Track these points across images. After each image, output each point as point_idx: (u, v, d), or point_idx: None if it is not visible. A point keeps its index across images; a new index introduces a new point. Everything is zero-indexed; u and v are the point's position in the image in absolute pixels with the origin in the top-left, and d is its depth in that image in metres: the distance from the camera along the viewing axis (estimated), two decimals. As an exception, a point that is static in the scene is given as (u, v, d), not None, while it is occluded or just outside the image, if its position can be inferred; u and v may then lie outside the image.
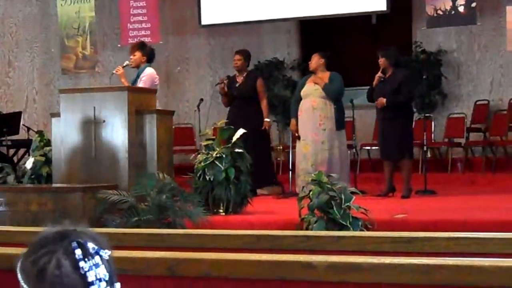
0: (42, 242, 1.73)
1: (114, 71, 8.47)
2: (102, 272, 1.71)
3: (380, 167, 9.25)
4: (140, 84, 8.26)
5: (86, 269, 1.69)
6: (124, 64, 8.47)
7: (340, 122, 9.02)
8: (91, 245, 1.72)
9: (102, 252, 1.73)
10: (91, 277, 1.69)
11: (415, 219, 6.43)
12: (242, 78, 9.78)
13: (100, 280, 1.70)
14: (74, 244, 1.71)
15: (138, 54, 8.45)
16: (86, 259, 1.70)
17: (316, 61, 9.14)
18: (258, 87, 9.69)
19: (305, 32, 13.04)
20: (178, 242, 4.27)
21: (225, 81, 9.76)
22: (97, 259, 1.71)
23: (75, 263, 1.69)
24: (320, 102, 8.97)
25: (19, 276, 1.73)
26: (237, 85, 9.73)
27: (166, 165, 7.66)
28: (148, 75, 8.34)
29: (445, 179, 10.52)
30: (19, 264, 1.74)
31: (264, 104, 9.68)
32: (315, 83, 9.03)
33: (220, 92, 9.91)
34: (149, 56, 8.54)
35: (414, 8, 12.20)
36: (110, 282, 1.73)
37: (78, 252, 1.70)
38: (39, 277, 1.69)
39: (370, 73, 9.02)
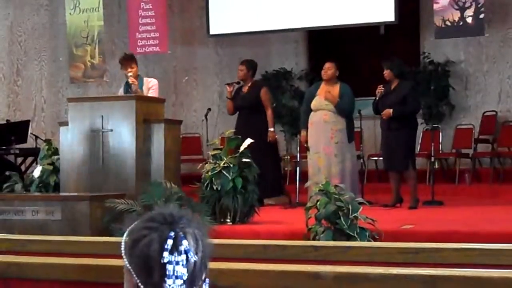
0: (151, 218, 1.85)
1: (131, 82, 8.46)
2: (181, 270, 1.78)
3: (387, 177, 9.24)
4: (152, 94, 8.38)
5: (166, 261, 1.78)
6: (130, 77, 8.46)
7: (351, 135, 9.03)
8: (185, 243, 1.80)
9: (190, 254, 1.80)
10: (168, 270, 1.78)
11: (422, 230, 6.42)
12: (247, 88, 9.79)
13: (176, 277, 1.78)
14: (171, 234, 1.80)
15: (135, 66, 8.54)
16: (172, 252, 1.78)
17: (333, 72, 9.11)
18: (262, 97, 9.68)
19: (313, 43, 13.05)
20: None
21: (235, 86, 9.78)
22: (182, 257, 1.79)
23: (161, 250, 1.78)
24: (331, 116, 8.97)
25: (123, 237, 1.87)
26: (242, 95, 9.74)
27: (174, 174, 7.68)
28: (157, 85, 8.49)
29: (453, 190, 10.49)
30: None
31: (269, 114, 9.66)
32: (328, 98, 9.00)
33: (226, 95, 9.93)
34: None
35: (422, 19, 12.20)
36: (189, 283, 1.80)
37: (169, 243, 1.79)
38: (132, 246, 1.82)
39: (378, 84, 9.02)
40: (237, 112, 9.82)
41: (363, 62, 12.15)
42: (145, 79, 8.62)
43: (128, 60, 8.64)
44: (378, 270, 3.09)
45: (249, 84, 9.80)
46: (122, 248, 1.86)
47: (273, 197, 9.46)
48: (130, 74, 8.45)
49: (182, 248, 1.79)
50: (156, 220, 1.83)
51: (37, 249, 5.54)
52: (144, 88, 8.50)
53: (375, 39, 12.14)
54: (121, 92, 8.74)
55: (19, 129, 11.31)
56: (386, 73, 8.89)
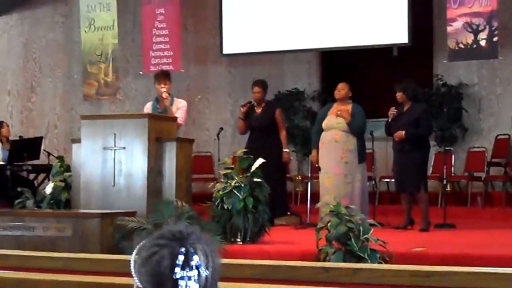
0: (161, 235, 1.87)
1: (165, 98, 8.57)
2: (193, 286, 1.80)
3: (399, 199, 9.21)
4: (180, 114, 8.60)
5: (178, 276, 1.80)
6: (164, 92, 8.59)
7: (362, 155, 9.01)
8: (196, 258, 1.82)
9: (202, 269, 1.82)
10: (181, 285, 1.80)
11: (434, 253, 6.38)
12: (260, 108, 9.80)
13: None
14: (182, 250, 1.82)
15: (169, 84, 8.73)
16: (183, 268, 1.80)
17: (346, 92, 9.12)
18: (277, 118, 9.71)
19: (326, 63, 13.07)
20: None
21: (249, 106, 9.79)
22: (193, 272, 1.81)
23: (172, 266, 1.80)
24: (342, 136, 8.96)
25: (132, 255, 1.89)
26: (255, 115, 9.75)
27: (185, 193, 7.68)
28: (186, 107, 8.80)
29: (465, 213, 10.44)
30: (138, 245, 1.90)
31: (283, 135, 9.70)
32: (340, 116, 8.99)
33: (239, 116, 9.94)
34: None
35: (435, 41, 12.21)
36: None
37: (181, 258, 1.81)
38: (142, 264, 1.84)
39: (390, 105, 9.02)
40: (248, 132, 9.84)
41: (375, 83, 12.15)
42: (175, 98, 8.80)
43: (164, 76, 8.88)
44: (389, 292, 3.07)
45: (262, 105, 9.82)
46: (132, 267, 1.87)
47: (284, 217, 9.45)
48: (164, 89, 8.58)
49: (193, 263, 1.81)
50: (166, 237, 1.85)
51: (47, 265, 5.55)
52: (174, 107, 8.67)
53: (388, 61, 12.15)
54: (148, 106, 8.86)
55: (32, 145, 11.35)
56: (399, 95, 8.89)
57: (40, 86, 14.38)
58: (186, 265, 1.80)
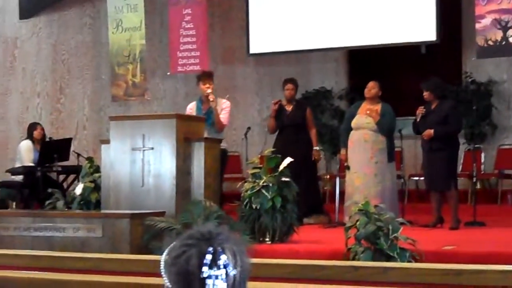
0: (189, 235, 1.88)
1: (211, 99, 8.64)
2: (220, 285, 1.81)
3: (428, 197, 9.16)
4: (225, 114, 8.73)
5: (205, 275, 1.80)
6: (209, 93, 8.64)
7: (391, 155, 8.98)
8: (224, 257, 1.83)
9: (229, 268, 1.83)
10: (208, 284, 1.80)
11: (464, 251, 6.34)
12: (291, 106, 9.80)
13: None
14: (210, 249, 1.83)
15: (212, 84, 8.81)
16: (211, 267, 1.81)
17: (376, 91, 9.11)
18: (307, 116, 9.71)
19: (353, 61, 13.03)
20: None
21: (280, 104, 9.80)
22: (221, 271, 1.82)
23: (200, 265, 1.81)
24: (372, 135, 8.94)
25: (162, 256, 1.91)
26: (286, 113, 9.75)
27: (214, 193, 7.70)
28: (229, 107, 8.91)
29: (495, 211, 10.35)
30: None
31: (313, 133, 9.70)
32: (369, 116, 8.97)
33: (271, 114, 9.92)
34: None
35: (464, 39, 12.12)
36: None
37: (208, 258, 1.81)
38: (171, 264, 1.86)
39: (418, 103, 8.97)
40: (277, 131, 9.84)
41: (403, 81, 12.09)
42: (219, 99, 8.85)
43: (208, 76, 8.96)
44: (419, 291, 3.06)
45: (293, 103, 9.82)
46: (162, 267, 1.88)
47: (313, 216, 9.44)
48: (209, 90, 8.60)
49: (221, 262, 1.82)
50: (194, 237, 1.86)
51: (77, 266, 5.60)
52: (218, 107, 8.73)
53: (416, 58, 12.09)
54: (191, 106, 8.92)
55: (61, 146, 11.42)
56: (426, 94, 8.83)
57: (69, 88, 14.49)
58: (213, 264, 1.81)
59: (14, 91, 14.61)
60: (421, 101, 8.98)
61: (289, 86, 9.85)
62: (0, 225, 7.44)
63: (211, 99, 8.63)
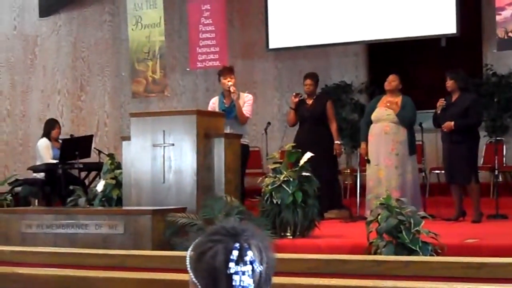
0: (215, 231, 1.89)
1: (232, 92, 8.71)
2: (247, 281, 1.82)
3: (450, 191, 9.12)
4: (247, 107, 8.80)
5: (232, 271, 1.82)
6: (231, 86, 8.68)
7: (412, 147, 8.95)
8: (250, 253, 1.84)
9: (256, 264, 1.84)
10: (235, 280, 1.81)
11: (487, 244, 6.30)
12: (312, 100, 9.78)
13: (243, 287, 1.82)
14: (236, 245, 1.84)
15: (234, 78, 8.86)
16: (237, 263, 1.83)
17: (397, 84, 9.10)
18: (328, 110, 9.68)
19: (373, 55, 12.99)
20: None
21: (300, 98, 9.79)
22: (247, 267, 1.83)
23: (227, 261, 1.82)
24: (392, 127, 8.92)
25: (188, 251, 1.91)
26: (306, 107, 9.73)
27: (235, 188, 7.71)
28: (252, 100, 9.00)
29: (517, 204, 10.29)
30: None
31: (334, 127, 9.66)
32: (389, 108, 8.96)
33: (290, 106, 9.91)
34: None
35: (484, 31, 12.05)
36: None
37: (235, 254, 1.83)
38: (197, 259, 1.87)
39: (438, 96, 8.93)
40: (297, 124, 9.83)
41: (423, 74, 12.04)
42: (241, 92, 8.91)
43: (229, 70, 9.04)
44: (441, 285, 3.05)
45: (313, 97, 9.81)
46: (187, 263, 1.89)
47: (334, 211, 9.42)
48: (230, 83, 8.64)
49: (247, 258, 1.83)
50: (220, 233, 1.87)
51: (100, 262, 5.62)
52: (240, 101, 8.78)
53: (436, 51, 12.03)
54: (214, 101, 8.95)
55: (82, 143, 11.47)
56: (449, 83, 8.78)
57: (89, 85, 14.55)
58: (240, 260, 1.82)
59: (35, 89, 14.68)
60: (441, 94, 8.94)
61: (307, 81, 9.84)
62: (22, 223, 7.49)
63: (232, 91, 8.65)
